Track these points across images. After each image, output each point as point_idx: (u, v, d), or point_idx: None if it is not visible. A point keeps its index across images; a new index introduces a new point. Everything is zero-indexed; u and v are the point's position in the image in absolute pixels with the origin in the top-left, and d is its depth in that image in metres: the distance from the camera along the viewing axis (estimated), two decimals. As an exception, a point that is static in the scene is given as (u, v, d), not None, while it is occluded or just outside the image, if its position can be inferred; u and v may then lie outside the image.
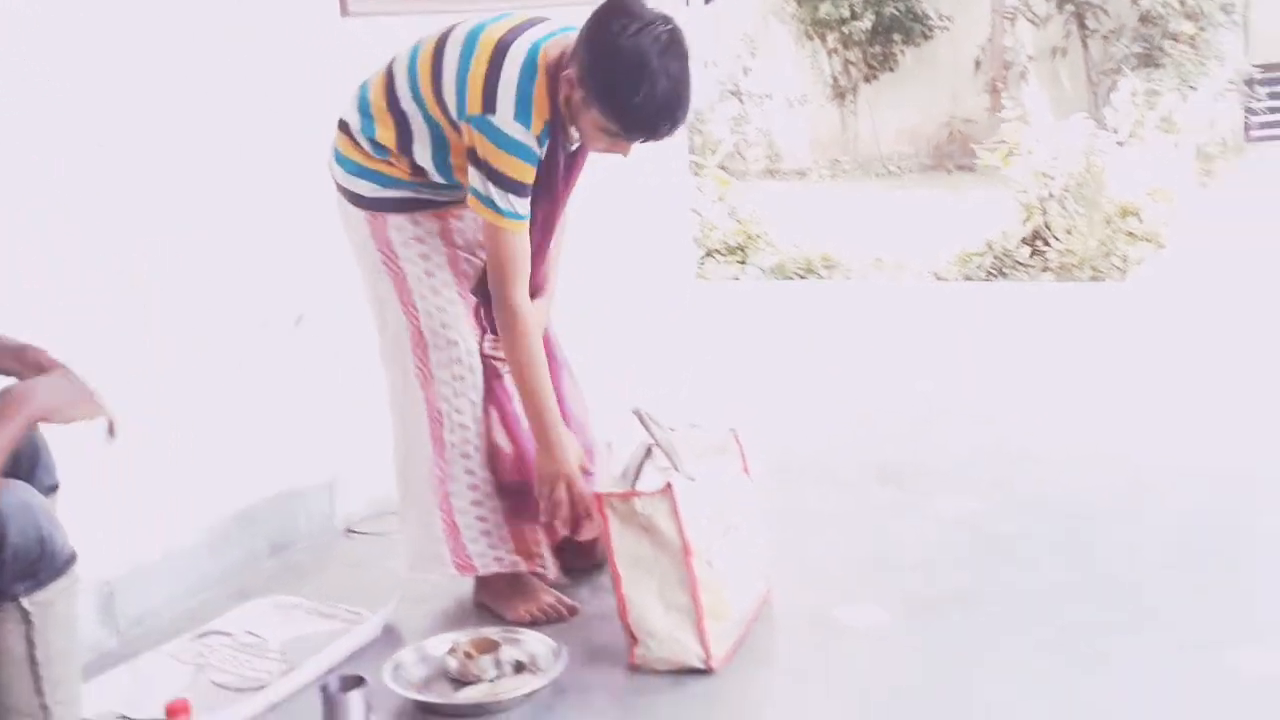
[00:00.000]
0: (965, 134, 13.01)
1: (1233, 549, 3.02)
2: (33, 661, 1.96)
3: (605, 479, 2.69)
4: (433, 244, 2.68)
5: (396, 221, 2.66)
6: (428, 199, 2.67)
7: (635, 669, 2.52)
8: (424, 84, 2.57)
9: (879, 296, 6.84)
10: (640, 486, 2.52)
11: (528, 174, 2.49)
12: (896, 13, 12.83)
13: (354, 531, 3.43)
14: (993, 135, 9.02)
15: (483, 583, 2.84)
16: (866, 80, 13.53)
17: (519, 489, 2.74)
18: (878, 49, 13.19)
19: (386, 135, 2.61)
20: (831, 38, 13.21)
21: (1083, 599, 2.77)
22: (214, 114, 3.07)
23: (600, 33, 2.40)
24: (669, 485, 2.45)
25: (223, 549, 3.10)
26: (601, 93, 2.40)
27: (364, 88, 2.68)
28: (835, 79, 13.68)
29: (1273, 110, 11.86)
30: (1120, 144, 8.62)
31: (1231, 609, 2.69)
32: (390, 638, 2.74)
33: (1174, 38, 10.87)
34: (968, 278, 7.71)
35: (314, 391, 3.37)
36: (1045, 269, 7.51)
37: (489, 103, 2.46)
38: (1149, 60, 11.02)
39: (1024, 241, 7.78)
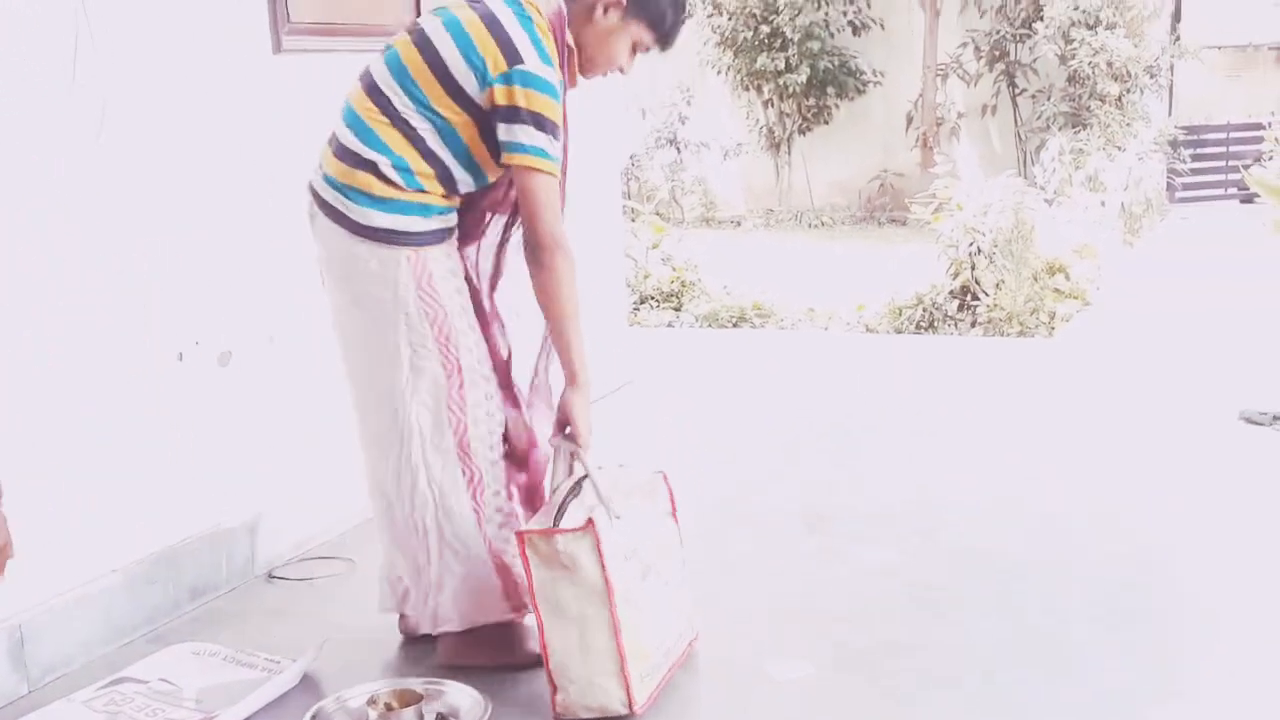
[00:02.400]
0: (897, 187, 13.22)
1: (1154, 604, 3.06)
2: None
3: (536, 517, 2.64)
4: (460, 278, 2.64)
5: (437, 254, 2.57)
6: (454, 225, 2.63)
7: (559, 718, 2.48)
8: (427, 86, 2.52)
9: (810, 346, 6.89)
10: (564, 524, 2.45)
11: (559, 113, 2.53)
12: (831, 67, 13.02)
13: (276, 576, 3.37)
14: (924, 189, 9.15)
15: (474, 634, 2.71)
16: (801, 132, 13.70)
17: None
18: (812, 102, 13.36)
19: (413, 158, 2.54)
20: (767, 89, 13.37)
21: (1007, 652, 2.78)
22: (142, 148, 3.03)
23: None
24: (590, 521, 2.40)
25: (140, 593, 3.03)
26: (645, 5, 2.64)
27: (359, 125, 2.55)
28: (770, 130, 13.84)
29: (1196, 171, 12.16)
30: (1048, 201, 8.78)
31: (1152, 664, 2.71)
32: (310, 687, 2.68)
33: (1101, 99, 11.12)
34: (898, 330, 7.80)
35: (237, 429, 3.31)
36: (974, 323, 7.62)
37: (513, 56, 2.48)
38: (1076, 120, 11.27)
39: (953, 295, 7.89)
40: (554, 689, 2.47)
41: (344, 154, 2.56)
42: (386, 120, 2.54)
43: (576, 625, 2.43)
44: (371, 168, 2.52)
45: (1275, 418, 4.50)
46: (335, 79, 3.09)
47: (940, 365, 5.95)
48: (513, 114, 2.48)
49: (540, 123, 2.49)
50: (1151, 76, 11.37)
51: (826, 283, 9.42)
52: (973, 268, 7.86)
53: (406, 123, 2.53)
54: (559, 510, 2.47)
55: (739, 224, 13.84)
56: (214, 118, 3.21)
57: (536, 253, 2.53)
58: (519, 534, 2.49)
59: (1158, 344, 6.41)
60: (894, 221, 12.66)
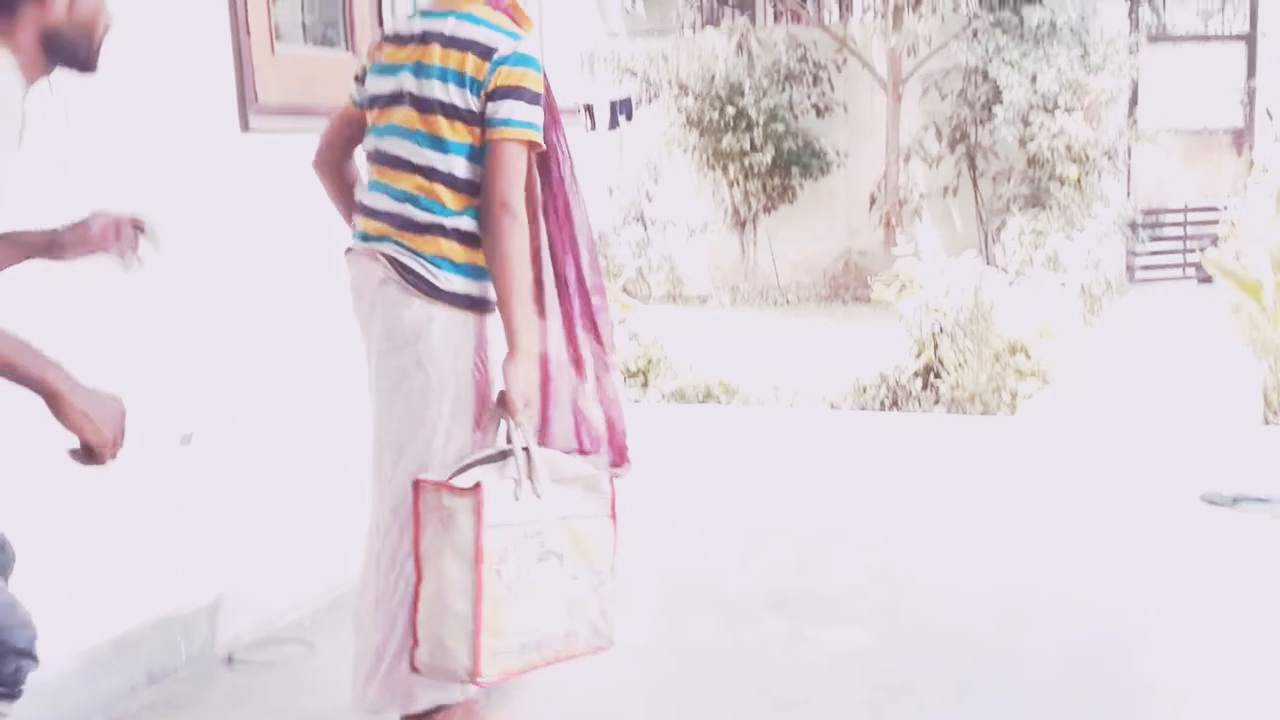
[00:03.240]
0: (860, 266, 13.35)
1: (1122, 686, 3.06)
2: None
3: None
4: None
5: (490, 322, 2.62)
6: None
7: (417, 672, 2.47)
8: (439, 128, 2.55)
9: (775, 423, 6.90)
10: (459, 482, 2.41)
11: (541, 81, 2.59)
12: (795, 148, 13.19)
13: (236, 660, 3.32)
14: (887, 268, 9.25)
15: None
16: (766, 211, 13.83)
17: None
18: (777, 181, 13.51)
19: (471, 209, 2.58)
20: (733, 169, 13.51)
21: (972, 737, 2.77)
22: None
23: None
24: (478, 485, 2.38)
25: (97, 677, 2.97)
26: None
27: (416, 198, 2.56)
28: (736, 208, 13.97)
29: (1154, 252, 12.36)
30: (1009, 281, 8.88)
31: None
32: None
33: (1060, 181, 11.30)
34: (863, 407, 7.83)
35: (198, 510, 3.28)
36: (937, 401, 7.66)
37: (507, 39, 2.54)
38: (1036, 201, 11.44)
39: (916, 374, 7.94)
40: (415, 643, 2.45)
41: (412, 225, 2.56)
42: (439, 184, 2.55)
43: (442, 583, 2.41)
44: (453, 234, 2.56)
45: (1236, 499, 4.54)
46: (302, 158, 3.11)
47: (904, 444, 5.97)
48: (512, 93, 2.53)
49: (533, 98, 2.55)
50: (1110, 159, 11.59)
51: (792, 359, 9.47)
52: (935, 347, 7.92)
53: (451, 174, 2.55)
54: (464, 469, 2.45)
55: (705, 301, 13.92)
56: (180, 196, 3.22)
57: (499, 216, 2.52)
58: (415, 481, 2.47)
59: (1119, 423, 6.47)
60: (858, 299, 12.77)
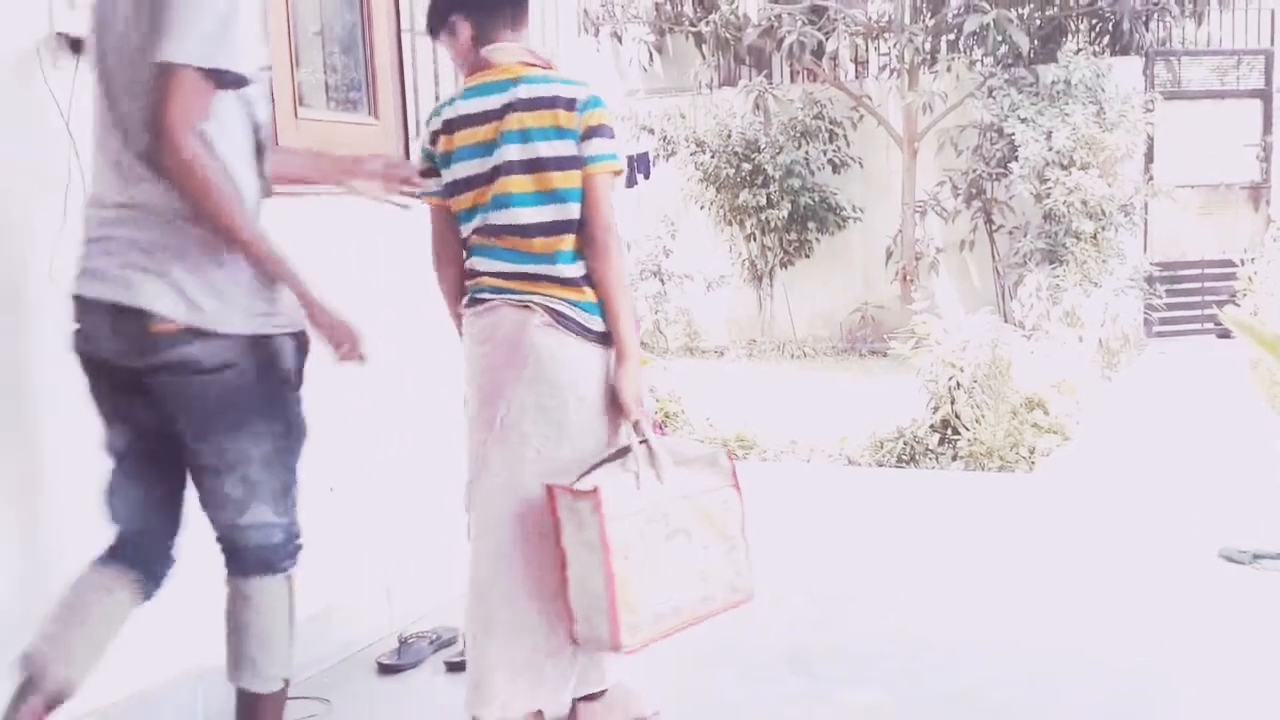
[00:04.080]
0: (877, 319, 13.37)
1: (1137, 748, 3.04)
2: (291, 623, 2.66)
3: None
4: None
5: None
6: None
7: (575, 644, 2.84)
8: (559, 178, 2.81)
9: (793, 479, 6.90)
10: (583, 485, 2.74)
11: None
12: (811, 202, 13.26)
13: (252, 716, 3.31)
14: (904, 322, 9.27)
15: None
16: (782, 265, 13.89)
17: None
18: (794, 236, 13.57)
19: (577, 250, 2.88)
20: (749, 223, 13.58)
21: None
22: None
23: None
24: (596, 489, 2.70)
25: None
26: None
27: (546, 258, 2.84)
28: (753, 263, 14.03)
29: (1172, 306, 12.34)
30: (1026, 336, 8.88)
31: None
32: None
33: (1077, 236, 11.31)
34: (879, 462, 7.83)
35: (215, 565, 3.29)
36: (955, 457, 7.65)
37: (578, 87, 2.86)
38: (1053, 256, 11.44)
39: (933, 429, 7.93)
40: (572, 619, 2.80)
41: (558, 280, 2.84)
42: (565, 234, 2.84)
43: (582, 570, 2.76)
44: (585, 281, 2.87)
45: (1255, 556, 4.51)
46: (323, 220, 3.15)
47: (922, 500, 5.96)
48: (600, 131, 2.84)
49: (610, 131, 2.87)
50: (1126, 215, 11.59)
51: (809, 413, 9.47)
52: (952, 402, 7.93)
53: (570, 220, 2.83)
54: (589, 471, 2.78)
55: (722, 354, 13.95)
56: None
57: (607, 240, 2.85)
58: (548, 487, 2.81)
59: (1137, 479, 6.45)
60: (875, 353, 12.78)
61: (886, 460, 7.90)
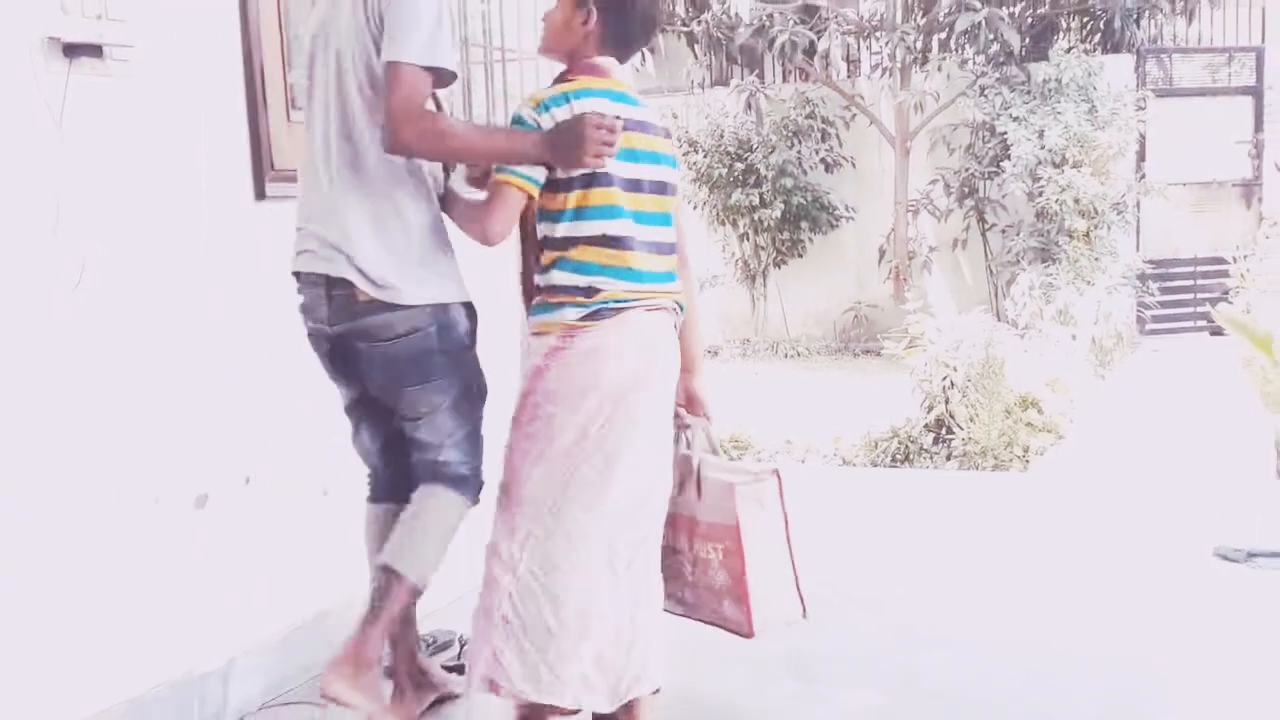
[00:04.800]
0: (870, 318, 13.38)
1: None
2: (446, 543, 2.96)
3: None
4: None
5: None
6: None
7: (751, 636, 3.01)
8: (672, 202, 2.94)
9: (788, 479, 6.88)
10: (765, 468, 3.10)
11: None
12: (804, 202, 13.25)
13: (248, 722, 3.32)
14: (897, 321, 9.28)
15: None
16: (776, 264, 13.89)
17: None
18: (787, 236, 13.57)
19: None
20: (743, 223, 13.59)
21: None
22: (121, 296, 3.06)
23: None
24: (775, 471, 3.04)
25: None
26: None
27: (669, 272, 2.91)
28: (746, 262, 14.03)
29: (1164, 304, 12.36)
30: (1020, 335, 8.88)
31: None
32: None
33: (1069, 234, 11.31)
34: (874, 463, 7.83)
35: (212, 573, 3.29)
36: (949, 457, 7.65)
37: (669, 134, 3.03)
38: (1046, 255, 11.45)
39: (928, 429, 7.93)
40: (748, 612, 2.99)
41: (670, 291, 2.90)
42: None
43: (766, 551, 2.99)
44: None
45: (1250, 555, 4.52)
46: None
47: (917, 500, 5.96)
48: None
49: None
50: (1119, 213, 11.60)
51: (803, 413, 9.47)
52: (946, 401, 7.93)
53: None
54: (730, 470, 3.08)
55: (716, 353, 13.95)
56: (194, 266, 3.25)
57: (689, 261, 3.04)
58: (729, 485, 2.99)
59: (1132, 477, 6.46)
60: (868, 352, 12.79)
61: (881, 460, 7.90)
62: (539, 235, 2.81)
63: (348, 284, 2.82)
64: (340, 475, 3.55)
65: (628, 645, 2.78)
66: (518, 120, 2.78)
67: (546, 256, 2.78)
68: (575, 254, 2.74)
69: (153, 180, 3.13)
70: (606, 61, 2.85)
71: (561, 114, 2.72)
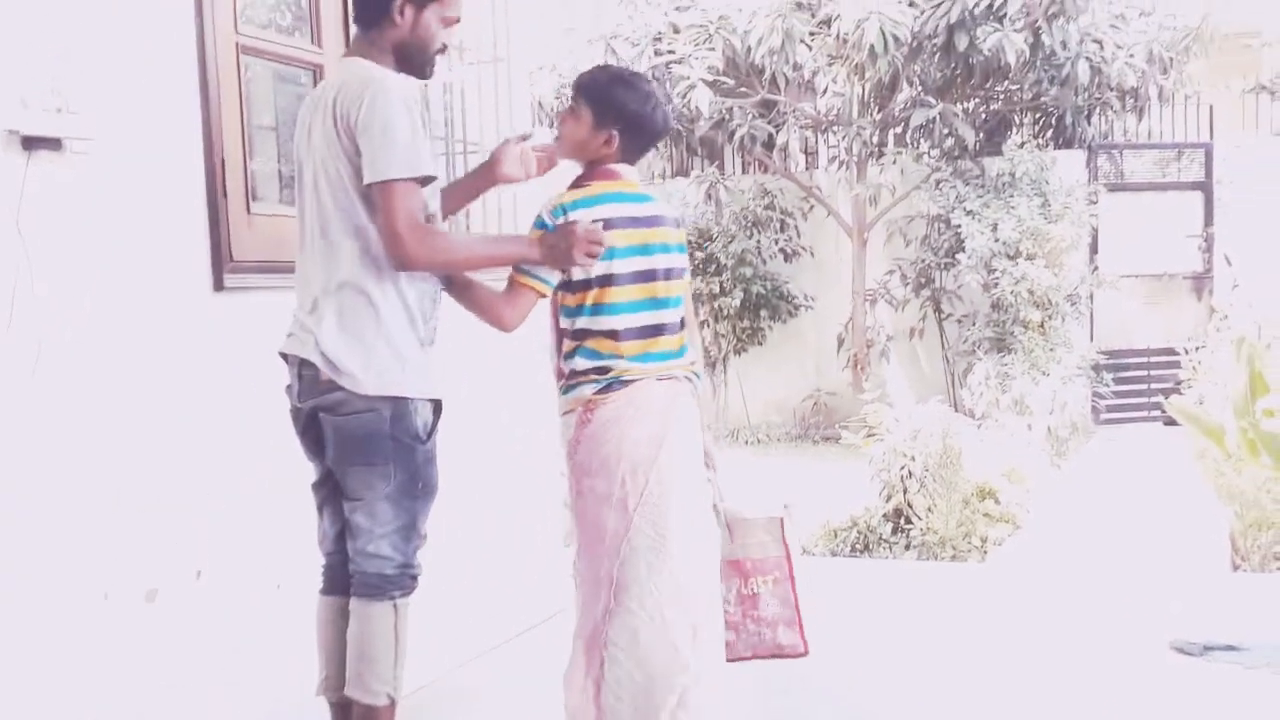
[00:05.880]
0: (830, 406, 13.43)
1: None
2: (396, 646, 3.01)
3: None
4: None
5: None
6: None
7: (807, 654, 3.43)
8: (684, 285, 3.31)
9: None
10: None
11: None
12: (764, 291, 13.36)
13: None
14: (856, 409, 9.30)
15: None
16: (736, 352, 13.95)
17: None
18: (746, 323, 13.65)
19: None
20: (703, 311, 13.66)
21: None
22: (78, 385, 3.04)
23: None
24: (787, 506, 3.50)
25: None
26: None
27: (682, 349, 3.27)
28: (707, 349, 14.09)
29: (1119, 394, 12.48)
30: (977, 425, 8.93)
31: None
32: None
33: (1024, 324, 11.44)
34: (834, 552, 7.81)
35: (162, 667, 3.23)
36: (908, 546, 7.65)
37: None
38: (1001, 345, 11.56)
39: (886, 518, 7.94)
40: (802, 632, 3.52)
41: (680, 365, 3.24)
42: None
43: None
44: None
45: (1206, 648, 4.54)
46: (277, 316, 3.15)
47: (877, 590, 5.95)
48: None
49: None
50: (1072, 304, 11.75)
51: (764, 501, 9.44)
52: (905, 491, 7.94)
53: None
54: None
55: (675, 442, 13.96)
56: (151, 357, 3.24)
57: (695, 329, 3.36)
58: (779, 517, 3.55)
59: (1088, 568, 6.48)
60: (828, 439, 12.81)
61: (841, 549, 7.88)
62: (561, 327, 3.18)
63: (314, 365, 2.97)
64: (293, 569, 3.51)
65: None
66: (536, 221, 3.12)
67: (568, 345, 3.15)
68: (591, 344, 3.13)
69: (110, 271, 3.13)
70: (621, 166, 3.19)
71: (579, 216, 3.08)
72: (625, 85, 3.16)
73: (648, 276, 3.14)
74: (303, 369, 3.02)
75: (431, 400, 3.08)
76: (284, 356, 3.11)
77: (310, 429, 3.10)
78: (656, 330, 3.17)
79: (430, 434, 3.08)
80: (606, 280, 3.10)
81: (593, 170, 3.19)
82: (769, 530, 3.44)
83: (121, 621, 3.13)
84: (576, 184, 3.20)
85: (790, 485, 10.33)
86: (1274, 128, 16.34)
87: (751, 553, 3.40)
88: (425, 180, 2.93)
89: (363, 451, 2.99)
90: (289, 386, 3.11)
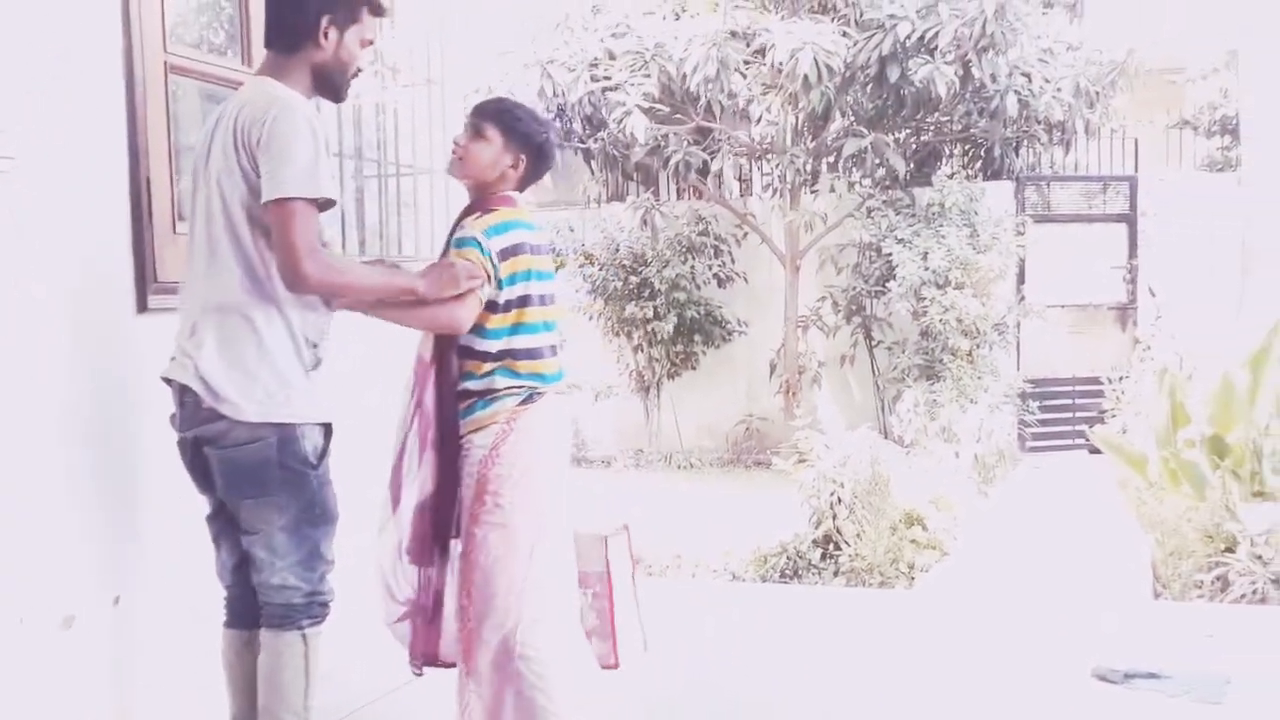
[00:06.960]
0: (762, 431, 13.50)
1: None
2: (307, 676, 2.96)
3: None
4: None
5: None
6: None
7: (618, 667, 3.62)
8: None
9: (678, 595, 6.87)
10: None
11: None
12: (697, 316, 13.42)
13: None
14: (787, 435, 9.36)
15: None
16: (670, 376, 13.98)
17: None
18: (680, 348, 13.70)
19: None
20: (637, 335, 13.69)
21: None
22: (0, 405, 2.98)
23: None
24: (626, 526, 3.68)
25: None
26: None
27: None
28: (640, 373, 14.11)
29: (1044, 422, 12.66)
30: (906, 452, 9.01)
31: None
32: None
33: (952, 353, 11.59)
34: (763, 578, 7.84)
35: (79, 696, 3.16)
36: (837, 573, 7.69)
37: None
38: (930, 373, 11.70)
39: (816, 544, 7.98)
40: (615, 646, 3.77)
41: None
42: None
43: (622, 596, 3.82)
44: None
45: (1127, 675, 4.59)
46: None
47: (805, 616, 5.97)
48: None
49: None
50: (1000, 333, 11.92)
51: (694, 526, 9.47)
52: (834, 517, 7.99)
53: None
54: None
55: (609, 464, 13.94)
56: (74, 378, 3.18)
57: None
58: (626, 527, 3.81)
59: (1013, 596, 6.55)
60: (760, 464, 12.88)
61: (771, 575, 7.91)
62: (478, 349, 3.22)
63: (194, 391, 2.91)
64: (213, 597, 3.46)
65: None
66: (470, 241, 3.20)
67: (485, 366, 3.22)
68: (511, 363, 3.24)
69: (32, 291, 3.07)
70: (516, 194, 3.37)
71: (499, 241, 3.21)
72: (532, 117, 3.38)
73: (549, 300, 3.35)
74: (184, 395, 2.96)
75: (321, 424, 3.04)
76: (167, 382, 3.03)
77: (197, 460, 3.03)
78: (554, 350, 3.37)
79: (321, 458, 3.03)
80: (525, 301, 3.26)
81: (489, 198, 3.34)
82: (595, 547, 3.65)
83: (37, 647, 3.06)
84: (478, 209, 3.33)
85: (721, 510, 10.36)
86: (1197, 162, 16.75)
87: (580, 565, 3.56)
88: (325, 205, 2.91)
89: (253, 483, 2.94)
90: (172, 415, 3.04)
